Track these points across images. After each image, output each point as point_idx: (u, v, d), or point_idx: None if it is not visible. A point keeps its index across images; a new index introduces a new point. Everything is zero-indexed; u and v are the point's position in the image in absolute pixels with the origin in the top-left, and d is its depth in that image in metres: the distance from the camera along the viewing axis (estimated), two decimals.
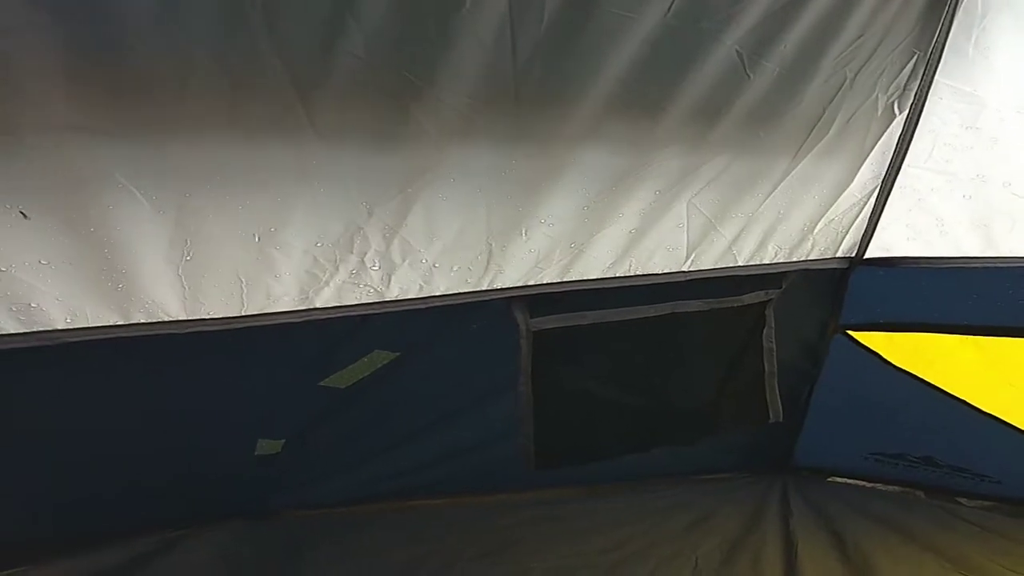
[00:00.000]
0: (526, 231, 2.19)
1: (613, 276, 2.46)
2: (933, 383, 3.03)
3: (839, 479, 3.45)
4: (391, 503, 2.97)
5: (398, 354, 2.45)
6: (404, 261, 2.09)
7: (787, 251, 2.68)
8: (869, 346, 3.06)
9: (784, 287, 2.85)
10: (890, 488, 3.39)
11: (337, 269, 2.04)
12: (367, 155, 1.85)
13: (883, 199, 2.62)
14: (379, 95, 1.78)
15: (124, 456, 2.32)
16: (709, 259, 2.57)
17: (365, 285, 2.11)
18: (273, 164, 1.78)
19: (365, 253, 2.03)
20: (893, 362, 3.05)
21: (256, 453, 2.54)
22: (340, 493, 2.88)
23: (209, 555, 2.66)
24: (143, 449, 2.33)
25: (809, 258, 2.75)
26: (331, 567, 2.71)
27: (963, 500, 3.31)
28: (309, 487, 2.82)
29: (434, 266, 2.15)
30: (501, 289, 2.33)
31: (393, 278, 2.12)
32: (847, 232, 2.72)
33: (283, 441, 2.56)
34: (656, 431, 3.02)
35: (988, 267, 2.69)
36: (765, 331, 2.95)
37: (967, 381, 3.03)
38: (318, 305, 2.11)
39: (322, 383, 2.42)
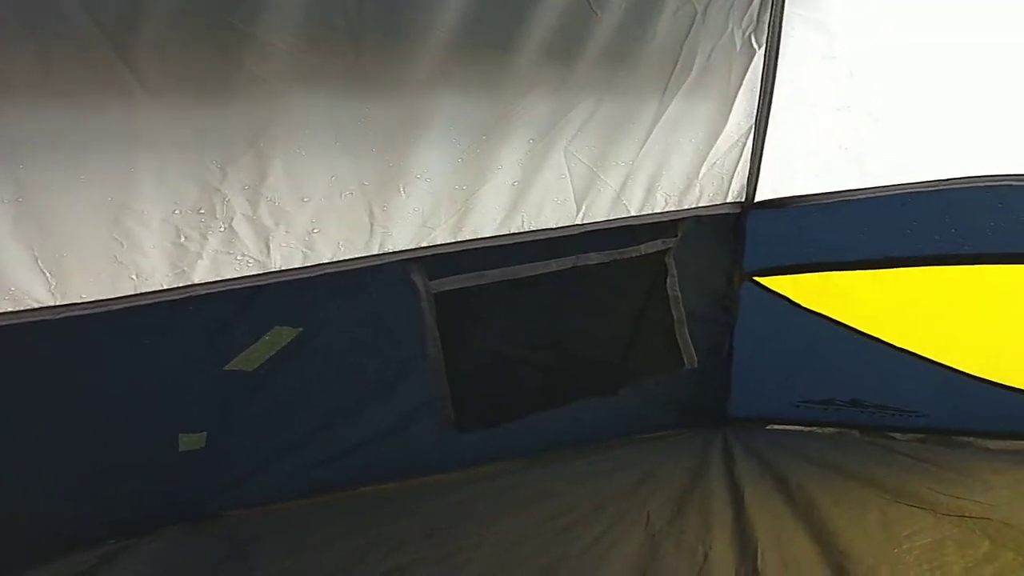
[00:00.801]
0: (404, 188, 1.95)
1: (507, 233, 2.23)
2: (845, 323, 2.78)
3: (777, 426, 3.15)
4: (331, 494, 2.66)
5: (300, 329, 2.18)
6: (278, 226, 1.86)
7: (676, 198, 2.45)
8: (778, 291, 2.80)
9: (680, 235, 2.61)
10: (826, 430, 3.09)
11: (206, 238, 1.80)
12: (204, 109, 1.63)
13: (760, 139, 2.41)
14: (203, 44, 1.56)
15: (38, 464, 2.05)
16: (601, 210, 2.34)
17: (243, 255, 1.87)
18: (106, 128, 1.56)
19: (231, 218, 1.80)
20: (803, 304, 2.78)
21: (181, 449, 2.26)
22: (277, 489, 2.57)
23: (150, 565, 2.35)
24: (56, 453, 2.06)
25: (699, 205, 2.53)
26: (277, 564, 2.40)
27: (896, 435, 3.01)
28: (244, 485, 2.51)
29: (313, 231, 1.92)
30: (393, 252, 2.09)
31: (272, 246, 1.88)
32: (732, 176, 2.50)
33: (205, 434, 2.27)
34: (573, 384, 2.75)
35: (868, 198, 2.46)
36: (668, 280, 2.70)
37: (876, 317, 2.76)
38: (196, 280, 1.87)
39: (228, 367, 2.14)
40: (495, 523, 2.60)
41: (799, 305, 2.79)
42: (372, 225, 2.00)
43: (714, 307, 2.87)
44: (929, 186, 2.42)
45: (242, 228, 1.83)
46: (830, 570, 2.28)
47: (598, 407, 2.90)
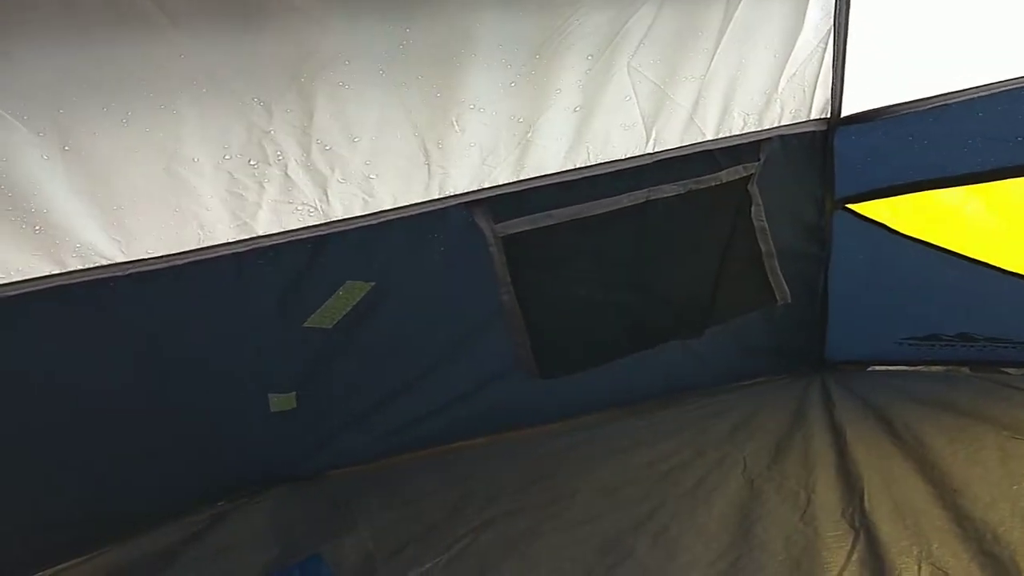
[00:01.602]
0: (456, 120, 1.66)
1: (573, 168, 1.89)
2: (949, 248, 2.29)
3: (879, 368, 2.71)
4: (427, 451, 2.40)
5: (373, 283, 1.90)
6: (333, 171, 1.60)
7: (756, 117, 2.04)
8: (873, 218, 2.32)
9: (763, 159, 2.18)
10: (933, 369, 2.63)
11: (263, 187, 1.56)
12: (235, 38, 1.36)
13: (842, 43, 1.97)
14: None
15: (132, 430, 1.85)
16: (673, 135, 1.97)
17: (303, 204, 1.62)
18: (137, 64, 1.32)
19: (286, 165, 1.55)
20: (902, 231, 2.31)
21: (272, 410, 2.03)
22: (372, 448, 2.31)
23: (259, 523, 2.16)
24: (147, 412, 1.85)
25: (782, 124, 2.10)
26: (381, 515, 2.18)
27: (1010, 370, 2.54)
28: (340, 445, 2.26)
29: (369, 176, 1.65)
30: (455, 195, 1.80)
31: (330, 193, 1.63)
32: (815, 88, 2.06)
33: (294, 394, 2.03)
34: (658, 326, 2.36)
35: (969, 99, 1.97)
36: (753, 209, 2.27)
37: (984, 239, 2.26)
38: (260, 232, 1.63)
39: (306, 324, 1.89)
40: (592, 471, 2.32)
41: (898, 232, 2.31)
42: (429, 165, 1.71)
43: (805, 240, 2.43)
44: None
45: (298, 175, 1.57)
46: (944, 509, 1.94)
47: (691, 356, 2.55)
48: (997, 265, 2.27)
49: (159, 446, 1.95)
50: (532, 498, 2.21)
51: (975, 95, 1.96)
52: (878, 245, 2.36)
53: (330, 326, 1.92)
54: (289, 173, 1.57)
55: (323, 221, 1.69)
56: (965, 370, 2.58)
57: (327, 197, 1.64)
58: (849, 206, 2.34)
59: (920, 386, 2.53)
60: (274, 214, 1.62)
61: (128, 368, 1.76)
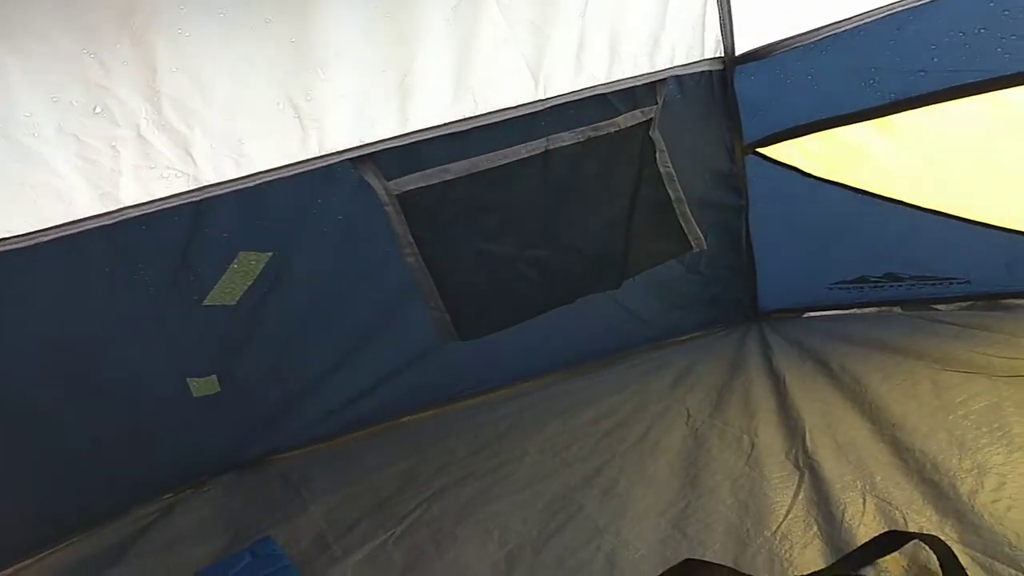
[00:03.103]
0: (321, 69, 1.43)
1: (462, 118, 1.65)
2: (863, 188, 2.08)
3: (813, 314, 2.50)
4: (373, 427, 2.20)
5: (270, 253, 1.68)
6: (192, 129, 1.35)
7: (646, 58, 1.82)
8: (784, 161, 2.12)
9: (661, 103, 1.95)
10: (865, 311, 2.43)
11: (117, 151, 1.31)
12: None
13: None
14: None
15: (60, 425, 1.65)
16: (563, 80, 1.74)
17: (168, 168, 1.38)
18: None
19: (137, 125, 1.32)
20: (815, 174, 2.10)
21: (195, 395, 1.80)
22: (317, 429, 2.11)
23: (207, 513, 1.98)
24: (69, 406, 1.66)
25: (675, 64, 1.88)
26: (331, 494, 1.95)
27: (940, 307, 2.34)
28: (282, 426, 2.04)
29: (236, 134, 1.40)
30: (337, 152, 1.56)
31: (195, 154, 1.41)
32: (703, 25, 1.84)
33: (215, 377, 1.81)
34: (575, 279, 2.15)
35: (857, 27, 1.79)
36: (658, 155, 2.04)
37: (895, 177, 2.05)
38: (128, 203, 1.41)
39: (206, 302, 1.66)
40: (540, 432, 2.11)
41: (810, 175, 2.10)
42: (301, 120, 1.47)
43: (721, 188, 2.20)
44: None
45: (153, 135, 1.33)
46: (884, 444, 1.76)
47: (629, 315, 2.33)
48: (912, 203, 2.08)
49: (92, 442, 1.73)
50: (481, 464, 1.99)
51: (861, 22, 1.77)
52: (794, 190, 2.15)
53: (233, 302, 1.69)
54: (143, 134, 1.33)
55: (195, 187, 1.45)
56: (896, 309, 2.37)
57: (193, 159, 1.40)
58: (759, 151, 2.12)
59: (854, 328, 2.32)
60: (138, 182, 1.37)
61: (34, 360, 1.56)
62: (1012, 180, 1.93)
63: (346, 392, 2.04)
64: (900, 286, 2.27)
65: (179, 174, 1.40)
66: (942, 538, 1.39)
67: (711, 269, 2.30)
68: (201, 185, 1.45)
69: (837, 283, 2.33)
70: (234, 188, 1.49)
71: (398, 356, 2.04)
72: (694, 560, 1.42)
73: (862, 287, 2.32)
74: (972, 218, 2.03)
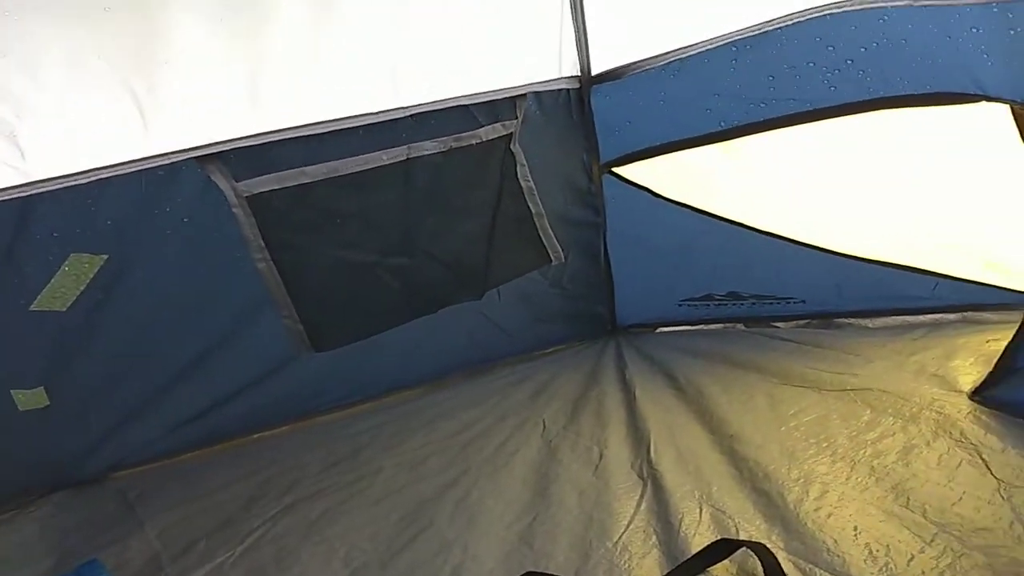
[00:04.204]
0: (165, 63, 1.38)
1: (319, 120, 1.63)
2: (707, 211, 2.22)
3: (666, 329, 2.63)
4: (223, 444, 2.11)
5: (105, 256, 1.58)
6: (21, 118, 1.29)
7: (505, 72, 1.88)
8: (636, 182, 2.22)
9: (521, 117, 2.00)
10: (712, 327, 2.58)
11: None
12: None
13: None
14: None
15: None
16: (423, 90, 1.77)
17: None
18: None
19: None
20: (664, 195, 2.22)
21: (21, 408, 1.68)
22: (160, 445, 1.99)
23: (30, 534, 1.82)
24: None
25: (534, 80, 1.95)
26: (170, 513, 1.85)
27: (779, 324, 2.52)
28: (123, 441, 1.92)
29: (71, 126, 1.34)
30: (182, 151, 1.50)
31: (23, 146, 1.32)
32: (560, 43, 1.91)
33: (42, 389, 1.68)
34: (435, 289, 2.15)
35: (699, 54, 1.89)
36: (519, 169, 2.10)
37: (737, 200, 2.20)
38: None
39: (34, 306, 1.55)
40: (398, 447, 2.09)
41: (661, 196, 2.22)
42: (143, 115, 1.41)
43: (580, 205, 2.28)
44: (755, 29, 1.81)
45: None
46: (722, 454, 1.86)
47: (492, 328, 2.38)
48: (751, 225, 2.22)
49: None
50: (333, 480, 1.95)
51: (702, 49, 1.87)
52: (646, 210, 2.25)
53: (63, 308, 1.57)
54: None
55: (24, 181, 1.35)
56: (740, 326, 2.53)
57: (20, 152, 1.31)
58: (614, 170, 2.21)
59: (701, 343, 2.45)
60: None
61: None
62: (840, 205, 2.09)
63: (193, 406, 1.96)
64: (743, 304, 2.42)
65: (4, 167, 1.26)
66: (768, 545, 1.46)
67: (573, 284, 2.38)
68: (30, 180, 1.36)
69: (686, 300, 2.47)
70: (66, 184, 1.40)
71: (250, 368, 1.98)
72: (534, 572, 1.40)
73: (708, 304, 2.45)
74: (807, 241, 2.19)
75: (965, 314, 2.22)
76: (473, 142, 1.95)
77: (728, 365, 2.26)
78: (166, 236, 1.64)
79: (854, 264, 2.21)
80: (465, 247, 2.12)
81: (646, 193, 2.21)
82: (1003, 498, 1.51)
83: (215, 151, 1.57)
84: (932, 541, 1.43)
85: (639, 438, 1.96)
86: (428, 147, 1.88)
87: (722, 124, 2.00)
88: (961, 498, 1.53)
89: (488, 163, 2.03)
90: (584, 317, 2.52)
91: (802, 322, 2.47)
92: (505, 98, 1.93)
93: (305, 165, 1.71)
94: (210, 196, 1.63)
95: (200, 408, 1.97)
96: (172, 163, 1.52)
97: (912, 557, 1.40)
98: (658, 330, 2.60)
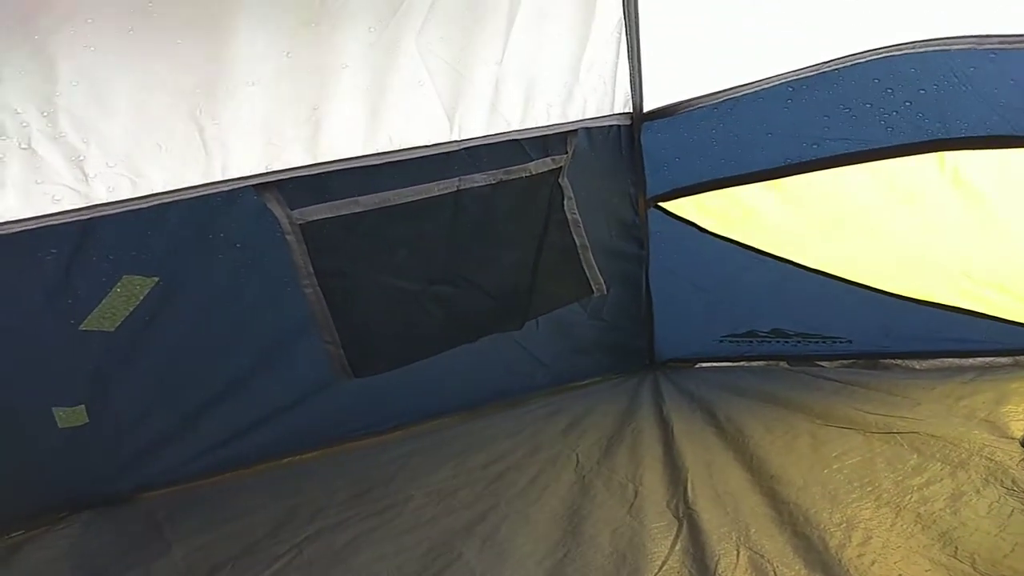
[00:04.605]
0: (231, 94, 1.41)
1: (374, 152, 1.66)
2: (754, 247, 2.19)
3: (705, 364, 2.59)
4: (253, 468, 2.11)
5: (157, 279, 1.61)
6: (88, 144, 1.32)
7: (559, 109, 1.88)
8: (683, 216, 2.21)
9: (571, 152, 2.01)
10: (754, 364, 2.53)
11: (3, 162, 1.28)
12: None
13: (634, 34, 1.85)
14: None
15: None
16: (477, 124, 1.79)
17: (58, 184, 1.33)
18: None
19: (29, 136, 1.27)
20: (710, 230, 2.20)
21: (60, 426, 1.70)
22: (190, 466, 2.00)
23: (57, 553, 1.81)
24: None
25: (586, 116, 1.96)
26: (198, 536, 1.85)
27: (823, 363, 2.45)
28: (154, 462, 1.94)
29: (135, 153, 1.38)
30: (241, 178, 1.53)
31: (88, 171, 1.35)
32: (615, 81, 1.92)
33: (83, 407, 1.70)
34: (477, 318, 2.15)
35: (754, 92, 1.89)
36: (566, 202, 2.11)
37: (785, 237, 2.17)
38: (8, 218, 1.33)
39: (83, 326, 1.57)
40: (428, 476, 2.07)
41: (707, 231, 2.20)
42: (205, 142, 1.45)
43: (624, 238, 2.28)
44: (812, 70, 1.81)
45: (45, 148, 1.28)
46: (762, 495, 1.80)
47: (529, 359, 2.36)
48: (799, 262, 2.18)
49: None
50: (362, 509, 1.93)
51: (757, 88, 1.87)
52: (690, 244, 2.23)
53: (112, 328, 1.60)
54: (34, 147, 1.27)
55: (85, 204, 1.39)
56: (783, 364, 2.47)
57: (86, 176, 1.34)
58: (661, 204, 2.20)
59: (742, 380, 2.41)
60: (23, 196, 1.31)
61: None
62: (891, 246, 2.08)
63: (227, 429, 1.97)
64: (787, 342, 2.38)
65: (70, 191, 1.36)
66: None
67: (613, 316, 2.37)
68: (92, 204, 1.41)
69: (728, 336, 2.43)
70: (127, 208, 1.45)
71: (285, 394, 1.99)
72: None
73: (751, 341, 2.41)
74: (854, 280, 2.15)
75: (1018, 358, 2.15)
76: (523, 175, 1.98)
77: (770, 404, 2.21)
78: (217, 260, 1.69)
79: (902, 304, 2.16)
80: (509, 277, 2.14)
81: (692, 228, 2.21)
82: None
83: (273, 179, 1.61)
84: None
85: (676, 476, 1.91)
86: (478, 179, 1.91)
87: (773, 162, 2.00)
88: (1014, 549, 1.46)
89: (536, 196, 2.05)
90: (622, 350, 2.50)
91: (847, 362, 2.41)
92: (557, 133, 1.96)
93: (359, 195, 1.75)
94: (264, 223, 1.68)
95: (234, 431, 1.99)
96: (231, 190, 1.57)
97: None
98: (698, 365, 2.57)
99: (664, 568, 1.59)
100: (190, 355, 1.78)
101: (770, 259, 2.19)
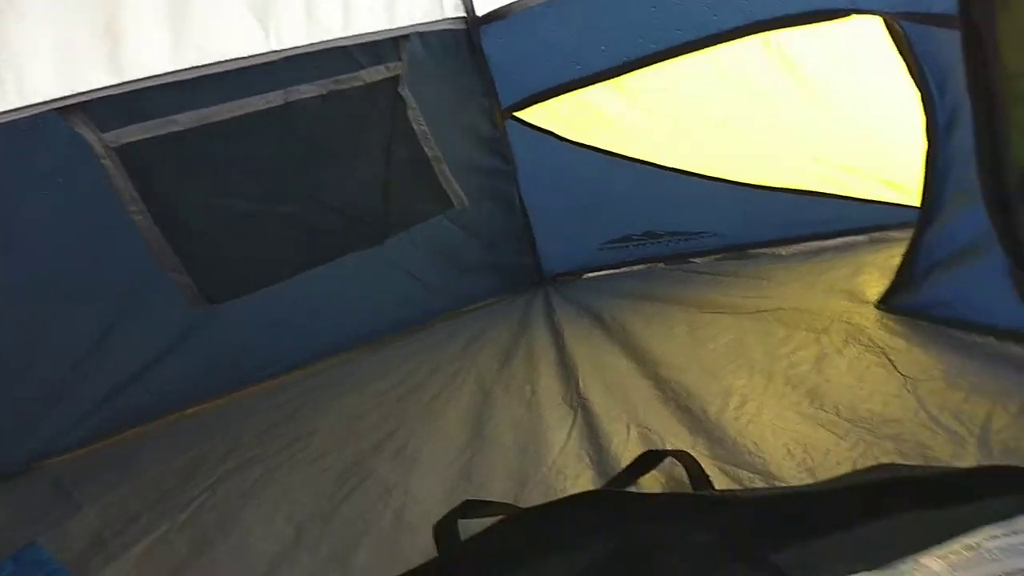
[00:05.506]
0: (13, 5, 1.31)
1: (186, 67, 1.58)
2: (612, 151, 2.20)
3: (591, 275, 2.66)
4: (156, 422, 2.07)
5: None
6: None
7: (384, 14, 1.84)
8: (540, 125, 2.18)
9: (406, 59, 1.96)
10: (635, 268, 2.61)
11: None
12: None
13: None
14: None
15: None
16: (296, 32, 1.71)
17: None
18: None
19: None
20: (568, 137, 2.19)
21: None
22: (91, 426, 1.92)
23: None
24: None
25: (416, 21, 1.91)
26: (108, 493, 1.79)
27: (696, 260, 2.56)
28: (46, 427, 1.86)
29: None
30: (41, 103, 1.43)
31: None
32: None
33: None
34: (332, 236, 2.09)
35: None
36: (410, 113, 2.04)
37: (637, 138, 2.18)
38: None
39: None
40: (331, 408, 2.07)
41: (565, 139, 2.18)
42: None
43: (487, 153, 2.25)
44: None
45: None
46: (646, 379, 1.88)
47: (420, 287, 2.37)
48: (656, 162, 2.22)
49: None
50: (269, 445, 1.91)
51: None
52: (553, 154, 2.21)
53: None
54: None
55: None
56: (661, 265, 2.57)
57: None
58: (516, 115, 2.16)
59: (624, 284, 2.49)
60: None
61: None
62: (738, 136, 2.13)
63: (106, 384, 1.89)
64: (659, 242, 2.45)
65: None
66: (693, 453, 1.50)
67: (492, 235, 2.36)
68: None
69: (606, 243, 2.47)
70: None
71: (159, 337, 1.91)
72: (472, 500, 1.43)
73: (627, 246, 2.47)
74: (710, 175, 2.22)
75: (872, 235, 2.28)
76: (355, 84, 1.89)
77: (649, 300, 2.30)
78: (38, 194, 1.57)
79: (760, 194, 2.24)
80: (358, 193, 2.05)
81: (551, 137, 2.18)
82: (908, 391, 1.58)
83: (76, 101, 1.49)
84: (846, 436, 1.48)
85: (568, 374, 1.98)
86: (307, 91, 1.81)
87: (612, 62, 1.98)
88: (871, 395, 1.59)
89: (375, 106, 1.96)
90: (510, 269, 2.52)
91: (718, 256, 2.51)
92: (387, 39, 1.87)
93: (176, 113, 1.65)
94: (80, 151, 1.56)
95: (113, 386, 1.90)
96: (33, 116, 1.45)
97: (828, 451, 1.45)
98: (584, 276, 2.62)
99: (563, 452, 1.65)
100: (36, 304, 1.68)
101: (629, 162, 2.21)
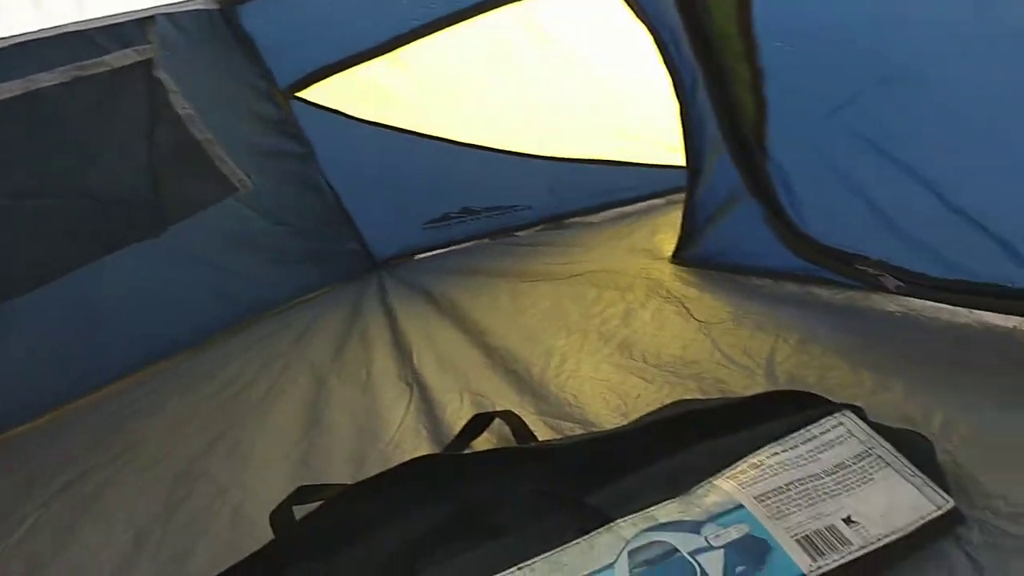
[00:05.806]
0: None
1: None
2: (406, 128, 2.17)
3: (422, 256, 2.71)
4: None
5: None
6: None
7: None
8: (327, 105, 2.11)
9: (156, 42, 1.87)
10: (463, 245, 2.69)
11: None
12: None
13: None
14: None
15: None
16: (22, 19, 1.63)
17: None
18: None
19: None
20: (357, 116, 2.13)
21: None
22: None
23: None
24: None
25: (160, 2, 1.83)
26: None
27: (519, 233, 2.67)
28: None
29: None
30: None
31: None
32: None
33: None
34: (99, 228, 1.97)
35: None
36: (171, 96, 1.94)
37: (429, 115, 2.17)
38: None
39: None
40: (159, 414, 2.00)
41: (355, 118, 2.12)
42: None
43: (274, 135, 2.16)
44: None
45: None
46: (476, 348, 1.95)
47: (246, 282, 2.33)
48: (452, 139, 2.21)
49: None
50: (99, 457, 1.83)
51: None
52: (347, 134, 2.15)
53: None
54: None
55: None
56: (487, 240, 2.65)
57: None
58: (300, 95, 2.09)
59: (452, 262, 2.56)
60: None
61: None
62: (508, 109, 2.17)
63: None
64: (479, 218, 2.51)
65: None
66: (520, 412, 1.58)
67: (301, 221, 2.31)
68: None
69: (428, 223, 2.51)
70: None
71: None
72: (306, 485, 1.45)
73: (448, 223, 2.51)
74: (507, 148, 2.27)
75: (669, 197, 2.42)
76: (102, 70, 1.78)
77: (476, 274, 2.38)
78: None
79: (565, 166, 2.34)
80: (121, 181, 1.93)
81: (340, 116, 2.11)
82: (704, 335, 1.73)
83: None
84: (653, 380, 1.61)
85: (402, 353, 2.02)
86: (47, 79, 1.69)
87: (381, 37, 1.95)
88: (672, 341, 1.74)
89: (129, 92, 1.86)
90: (337, 256, 2.50)
91: (538, 228, 2.63)
92: (130, 22, 1.77)
93: None
94: None
95: None
96: None
97: (639, 396, 1.57)
98: (416, 257, 2.66)
99: (401, 427, 1.70)
100: None
101: (425, 139, 2.18)
